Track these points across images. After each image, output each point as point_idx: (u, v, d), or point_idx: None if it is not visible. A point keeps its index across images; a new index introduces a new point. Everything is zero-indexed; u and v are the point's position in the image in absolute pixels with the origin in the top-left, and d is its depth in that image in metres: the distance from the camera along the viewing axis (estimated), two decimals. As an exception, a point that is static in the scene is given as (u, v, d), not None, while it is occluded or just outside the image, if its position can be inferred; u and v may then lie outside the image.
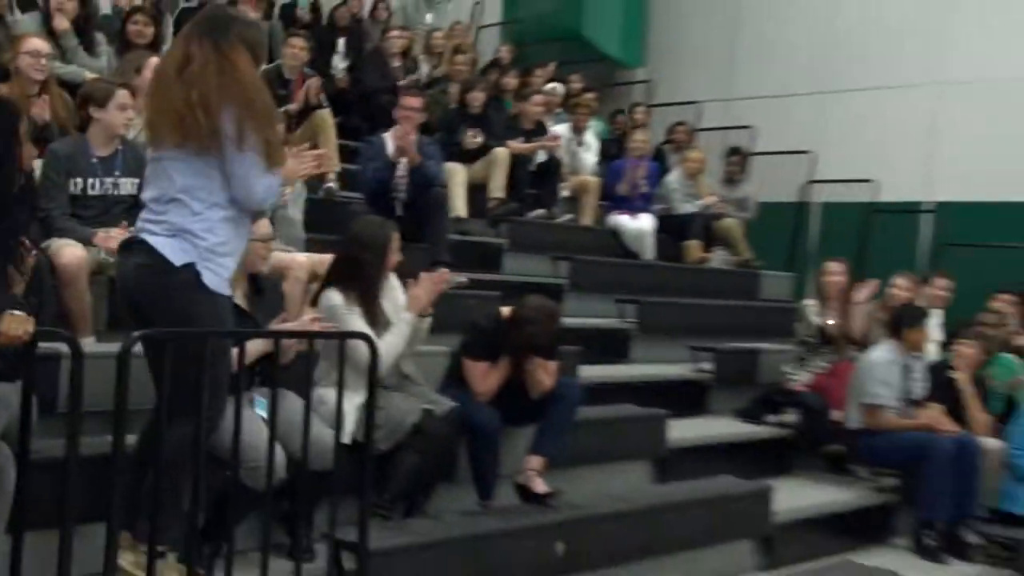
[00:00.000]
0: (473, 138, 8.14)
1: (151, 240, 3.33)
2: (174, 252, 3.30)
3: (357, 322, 4.25)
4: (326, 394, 3.97)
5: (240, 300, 4.02)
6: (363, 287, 4.39)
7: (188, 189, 3.34)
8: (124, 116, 4.78)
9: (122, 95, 4.78)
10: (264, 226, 4.28)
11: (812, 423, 6.57)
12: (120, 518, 3.05)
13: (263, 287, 4.22)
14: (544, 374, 4.63)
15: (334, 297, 4.33)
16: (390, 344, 4.29)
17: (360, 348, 3.77)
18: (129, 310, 3.42)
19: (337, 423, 3.72)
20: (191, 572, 3.26)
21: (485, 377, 4.59)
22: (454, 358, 4.82)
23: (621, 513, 4.79)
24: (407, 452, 4.27)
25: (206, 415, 3.21)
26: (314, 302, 4.40)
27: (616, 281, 8.12)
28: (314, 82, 7.64)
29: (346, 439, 4.00)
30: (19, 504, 2.90)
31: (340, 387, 3.63)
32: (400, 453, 4.27)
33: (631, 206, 9.08)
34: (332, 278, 4.41)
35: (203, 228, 3.33)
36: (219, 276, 3.36)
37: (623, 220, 8.99)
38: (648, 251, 8.88)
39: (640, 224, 8.93)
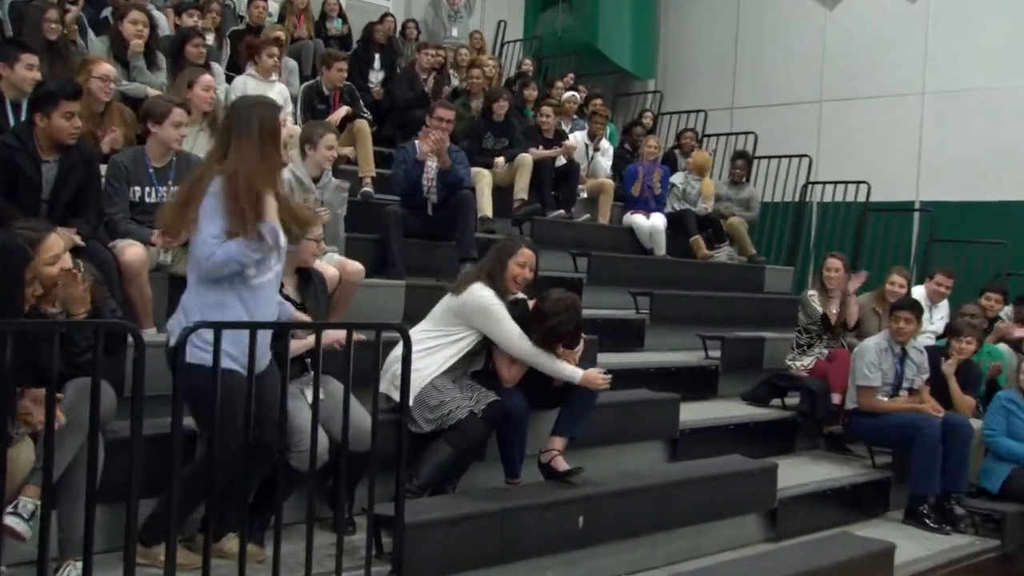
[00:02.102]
0: (497, 161, 8.10)
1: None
2: (173, 332, 3.42)
3: (505, 313, 4.44)
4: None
5: (291, 292, 4.11)
6: (494, 286, 4.51)
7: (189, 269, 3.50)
8: (178, 133, 4.77)
9: (178, 113, 4.76)
10: (317, 227, 4.32)
11: (813, 406, 6.49)
12: (180, 493, 3.05)
13: (311, 276, 4.28)
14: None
15: (485, 291, 4.46)
16: (536, 362, 4.47)
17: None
18: None
19: (405, 386, 3.68)
20: (243, 542, 3.26)
21: (511, 365, 4.56)
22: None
23: (637, 489, 4.74)
24: (442, 444, 4.28)
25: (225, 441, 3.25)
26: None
27: (630, 275, 8.07)
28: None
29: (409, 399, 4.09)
30: (91, 479, 2.90)
31: (406, 366, 3.63)
32: (436, 443, 4.28)
33: (645, 206, 9.02)
34: (478, 276, 4.59)
35: (190, 305, 3.42)
36: (201, 350, 3.22)
37: (637, 219, 8.93)
38: (661, 247, 8.81)
39: (653, 222, 8.87)
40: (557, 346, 4.49)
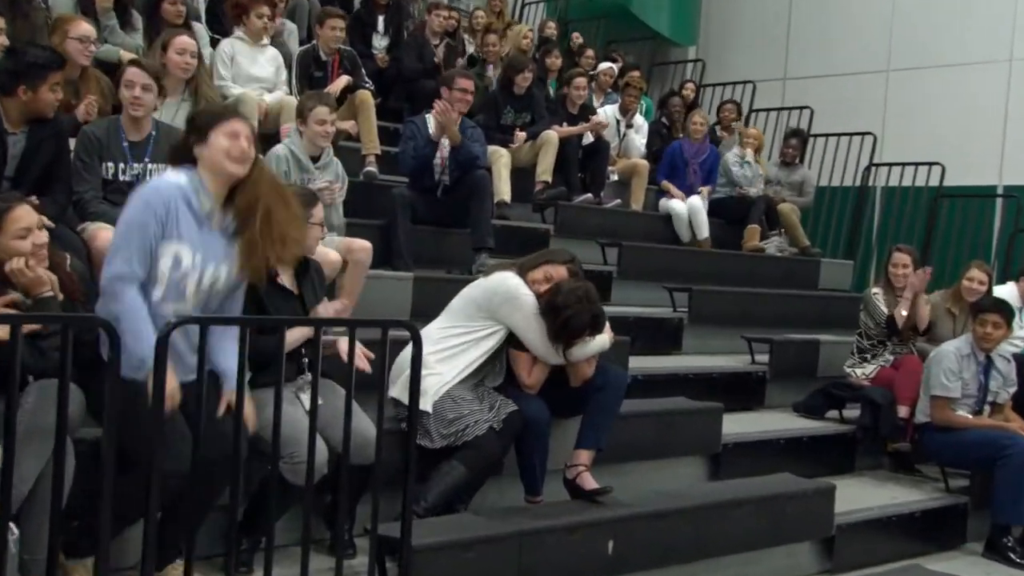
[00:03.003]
0: (517, 135, 8.17)
1: None
2: None
3: (535, 306, 4.48)
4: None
5: (287, 282, 4.11)
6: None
7: None
8: (155, 100, 4.80)
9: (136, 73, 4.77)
10: (320, 210, 4.40)
11: (877, 419, 6.46)
12: (156, 506, 3.06)
13: (308, 265, 4.27)
14: (585, 362, 4.60)
15: (515, 279, 4.54)
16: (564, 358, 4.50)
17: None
18: None
19: (414, 393, 3.70)
20: (230, 567, 3.28)
21: (532, 367, 4.58)
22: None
23: (674, 511, 4.73)
24: (456, 464, 4.29)
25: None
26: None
27: (666, 268, 8.09)
28: None
29: (428, 407, 4.24)
30: (56, 495, 2.91)
31: (416, 363, 3.62)
32: (447, 463, 4.29)
33: (682, 188, 9.05)
34: (510, 266, 4.70)
35: None
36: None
37: (674, 204, 8.94)
38: (703, 229, 8.83)
39: (691, 203, 8.91)
40: (574, 342, 4.50)
